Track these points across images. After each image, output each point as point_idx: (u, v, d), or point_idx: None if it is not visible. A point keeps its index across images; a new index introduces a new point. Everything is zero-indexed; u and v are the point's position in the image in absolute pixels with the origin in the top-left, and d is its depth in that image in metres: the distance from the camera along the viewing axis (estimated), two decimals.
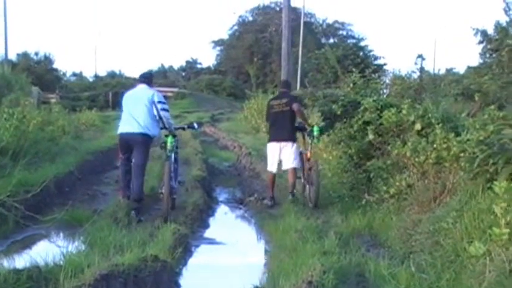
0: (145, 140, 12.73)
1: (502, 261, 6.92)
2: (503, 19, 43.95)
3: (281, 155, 14.38)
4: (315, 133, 14.63)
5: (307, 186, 14.47)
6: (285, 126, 14.40)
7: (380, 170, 13.11)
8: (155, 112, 12.81)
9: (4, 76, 29.98)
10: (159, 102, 12.88)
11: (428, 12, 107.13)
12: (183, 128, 16.25)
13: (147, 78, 13.58)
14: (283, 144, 14.32)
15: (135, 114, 12.69)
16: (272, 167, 14.56)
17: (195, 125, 16.79)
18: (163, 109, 12.97)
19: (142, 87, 13.22)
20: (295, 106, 14.38)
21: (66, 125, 22.59)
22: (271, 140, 14.70)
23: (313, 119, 18.73)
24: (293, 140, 14.50)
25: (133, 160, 12.75)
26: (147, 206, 12.51)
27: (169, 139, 13.20)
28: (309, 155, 14.83)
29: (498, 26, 44.34)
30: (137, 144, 12.68)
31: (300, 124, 14.82)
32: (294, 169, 14.40)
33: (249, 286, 8.26)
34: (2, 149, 14.41)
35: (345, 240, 9.92)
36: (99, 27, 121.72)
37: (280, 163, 14.56)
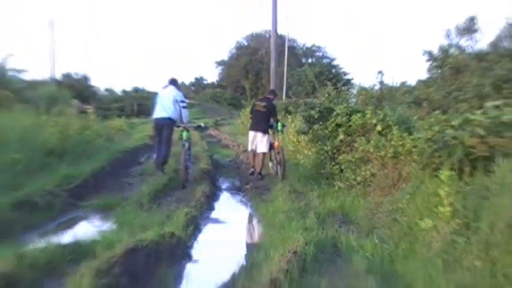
0: (171, 122, 14.90)
1: (446, 233, 6.96)
2: (445, 42, 44.41)
3: (255, 141, 15.99)
4: (279, 128, 16.14)
5: (277, 165, 15.80)
6: (260, 122, 16.13)
7: (349, 162, 13.18)
8: (177, 107, 14.91)
9: (53, 92, 30.09)
10: (181, 101, 15.11)
11: (387, 35, 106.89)
12: (194, 127, 18.04)
13: (174, 82, 15.65)
14: (258, 133, 15.96)
15: (165, 105, 14.90)
16: (250, 148, 16.27)
17: (202, 125, 18.45)
18: (183, 106, 15.12)
19: (170, 88, 15.30)
20: (273, 109, 16.39)
21: (100, 130, 22.57)
22: (250, 129, 16.41)
23: (295, 122, 20.09)
24: (265, 132, 15.96)
25: (163, 134, 14.87)
26: (164, 196, 12.48)
27: (185, 133, 15.10)
28: (276, 143, 16.02)
29: (441, 48, 44.56)
30: (165, 125, 14.85)
31: (272, 123, 16.09)
32: (263, 154, 15.93)
33: (246, 253, 8.37)
34: (50, 150, 14.52)
35: (322, 218, 9.95)
36: (126, 49, 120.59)
37: (255, 147, 16.01)
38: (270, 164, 16.39)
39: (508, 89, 25.40)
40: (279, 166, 15.56)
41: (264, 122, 16.00)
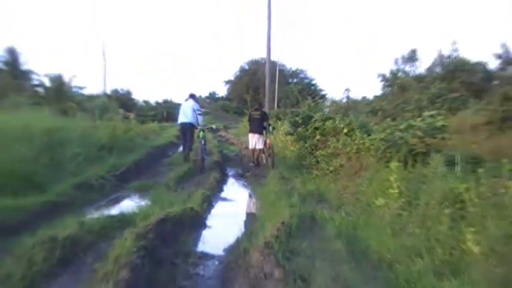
0: (191, 126, 15.18)
1: (394, 208, 6.98)
2: (394, 68, 44.59)
3: (254, 140, 16.08)
4: (270, 129, 16.26)
5: (268, 157, 15.84)
6: (257, 126, 16.15)
7: (324, 156, 13.21)
8: (195, 114, 15.10)
9: (104, 104, 30.15)
10: (198, 110, 15.30)
11: (353, 60, 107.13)
12: (208, 129, 18.63)
13: (193, 96, 15.77)
14: (255, 134, 16.07)
15: (186, 113, 15.20)
16: (250, 146, 16.40)
17: (214, 127, 20.95)
18: (199, 114, 15.30)
19: (190, 100, 15.50)
20: (266, 117, 16.60)
21: (139, 131, 22.53)
22: (249, 132, 16.52)
23: (284, 126, 20.06)
24: (260, 133, 16.04)
25: (186, 135, 15.31)
26: (186, 181, 12.48)
27: (201, 133, 15.21)
28: (268, 141, 16.04)
29: (391, 72, 44.70)
30: (187, 128, 15.23)
31: (265, 126, 16.10)
32: (260, 149, 16.10)
33: (247, 223, 8.36)
34: (102, 146, 14.50)
35: (303, 198, 9.90)
36: (158, 69, 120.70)
37: (254, 145, 16.09)
38: (263, 156, 16.30)
39: (440, 102, 25.39)
40: (269, 158, 15.64)
41: (259, 126, 16.04)
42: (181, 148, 16.87)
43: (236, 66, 76.73)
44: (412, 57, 48.49)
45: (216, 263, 6.25)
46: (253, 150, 16.27)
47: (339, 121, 14.32)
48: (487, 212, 5.78)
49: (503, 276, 4.77)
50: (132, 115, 31.75)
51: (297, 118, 17.31)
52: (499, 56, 31.36)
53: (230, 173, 15.51)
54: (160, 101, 69.63)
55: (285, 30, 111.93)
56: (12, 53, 41.63)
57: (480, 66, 33.35)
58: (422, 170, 8.46)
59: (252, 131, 16.30)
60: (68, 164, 11.29)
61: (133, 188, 11.15)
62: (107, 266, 4.74)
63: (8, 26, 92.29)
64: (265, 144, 16.07)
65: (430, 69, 40.07)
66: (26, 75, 38.95)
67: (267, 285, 4.63)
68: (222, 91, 78.06)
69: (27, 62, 41.42)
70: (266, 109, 28.92)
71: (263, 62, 38.71)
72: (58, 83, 28.34)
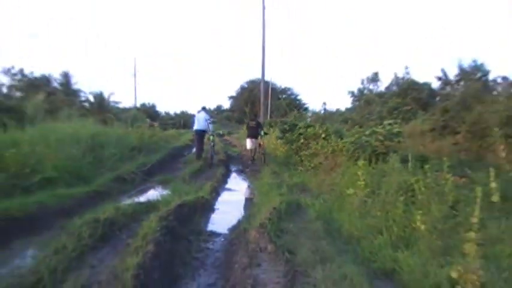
0: (203, 132, 15.27)
1: (361, 196, 6.95)
2: (361, 86, 44.61)
3: (251, 143, 16.02)
4: (262, 134, 16.05)
5: (262, 156, 15.69)
6: (253, 132, 15.98)
7: (306, 156, 13.18)
8: (206, 123, 15.12)
9: (135, 115, 30.26)
10: (208, 119, 15.35)
11: (329, 80, 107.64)
12: (217, 134, 19.32)
13: (204, 108, 15.75)
14: (252, 139, 15.99)
15: (200, 122, 15.17)
16: (248, 147, 16.28)
17: (221, 133, 20.72)
18: (210, 122, 15.43)
19: (202, 112, 15.47)
20: (260, 126, 16.51)
21: (161, 136, 22.59)
22: (247, 137, 16.36)
23: (275, 132, 20.20)
24: (255, 137, 15.92)
25: (199, 139, 15.34)
26: (198, 175, 12.48)
27: (211, 137, 15.39)
28: (261, 143, 15.98)
29: (359, 90, 44.76)
30: (201, 133, 15.31)
31: (259, 132, 15.98)
32: (254, 149, 16.02)
33: (246, 208, 8.36)
34: (133, 147, 14.53)
35: (291, 188, 9.88)
36: (173, 85, 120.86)
37: (251, 146, 16.03)
38: (257, 155, 16.17)
39: (396, 113, 25.45)
40: (263, 156, 15.64)
41: (254, 132, 16.01)
42: (194, 149, 16.96)
43: (238, 85, 76.55)
44: (374, 78, 48.78)
45: (222, 239, 6.25)
46: (250, 150, 16.25)
47: (318, 128, 14.29)
48: (431, 199, 5.81)
49: (442, 246, 4.84)
50: (156, 124, 31.68)
51: (285, 126, 17.32)
52: (439, 78, 31.52)
53: (233, 169, 15.49)
54: (178, 112, 69.82)
55: (276, 54, 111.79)
56: (66, 76, 42.06)
57: (426, 86, 33.52)
58: (382, 166, 8.48)
59: (249, 136, 16.24)
60: (106, 161, 11.37)
61: (157, 180, 11.08)
62: (137, 242, 4.76)
63: (60, 49, 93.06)
64: (259, 145, 16.08)
65: (388, 88, 40.29)
66: (75, 93, 39.32)
67: (262, 256, 4.65)
68: (226, 104, 77.78)
69: (76, 82, 41.88)
70: (261, 119, 28.89)
71: (259, 81, 38.80)
72: (100, 98, 28.61)
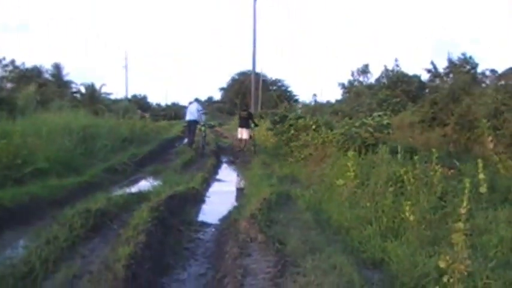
0: (195, 122, 15.65)
1: (351, 187, 6.99)
2: (351, 78, 44.76)
3: (242, 132, 16.20)
4: (253, 127, 16.56)
5: (251, 146, 16.03)
6: (244, 122, 16.24)
7: (296, 147, 13.19)
8: (198, 114, 15.58)
9: (126, 106, 30.15)
10: (201, 110, 16.03)
11: (320, 71, 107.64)
12: (208, 125, 19.15)
13: (197, 99, 16.54)
14: (243, 128, 16.18)
15: (192, 113, 15.55)
16: (239, 136, 16.51)
17: (212, 124, 21.26)
18: (202, 113, 16.17)
19: (195, 103, 16.05)
20: (251, 116, 16.96)
21: (153, 127, 22.56)
22: (239, 126, 16.62)
23: (266, 123, 19.97)
24: (247, 127, 16.15)
25: (191, 129, 15.73)
26: (189, 166, 12.47)
27: (203, 127, 15.95)
28: (252, 134, 16.34)
29: (349, 81, 44.93)
30: (192, 124, 15.67)
31: (250, 124, 16.42)
32: (246, 140, 16.14)
33: (237, 199, 8.38)
34: (125, 139, 14.55)
35: (281, 179, 9.92)
36: (165, 76, 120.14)
37: (242, 136, 16.20)
38: (247, 146, 16.29)
39: (385, 105, 25.50)
40: (253, 147, 15.88)
41: (246, 122, 16.19)
42: (185, 140, 17.68)
43: (228, 76, 76.14)
44: (364, 70, 48.76)
45: (213, 229, 6.26)
46: (240, 139, 16.41)
47: (308, 119, 14.27)
48: (420, 190, 5.86)
49: (431, 237, 4.89)
50: (147, 115, 31.50)
51: (276, 117, 17.27)
52: (429, 71, 31.64)
53: (224, 160, 15.51)
54: (169, 103, 69.45)
55: (267, 46, 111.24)
56: (57, 67, 41.86)
57: (415, 78, 33.56)
58: (372, 157, 8.51)
59: (240, 125, 16.44)
60: (98, 152, 11.40)
61: (148, 171, 11.08)
62: (128, 232, 4.75)
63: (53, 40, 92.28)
64: (250, 137, 16.19)
65: (378, 80, 40.21)
66: (67, 84, 39.12)
67: (252, 246, 4.65)
68: (217, 96, 77.24)
69: (68, 73, 41.73)
70: (252, 110, 28.91)
71: (250, 73, 38.69)
72: (91, 90, 28.28)
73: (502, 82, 20.40)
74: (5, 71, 41.97)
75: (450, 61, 30.45)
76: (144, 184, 9.13)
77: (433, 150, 6.33)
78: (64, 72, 41.93)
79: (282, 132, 15.43)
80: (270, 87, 64.71)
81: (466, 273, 3.26)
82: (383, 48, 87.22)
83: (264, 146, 17.04)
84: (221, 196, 9.03)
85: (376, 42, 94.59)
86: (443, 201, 5.75)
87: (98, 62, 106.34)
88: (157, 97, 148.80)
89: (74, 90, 34.68)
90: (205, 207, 7.86)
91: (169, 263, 4.73)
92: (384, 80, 37.36)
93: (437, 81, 31.08)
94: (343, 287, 3.51)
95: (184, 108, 17.10)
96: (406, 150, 8.27)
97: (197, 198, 8.16)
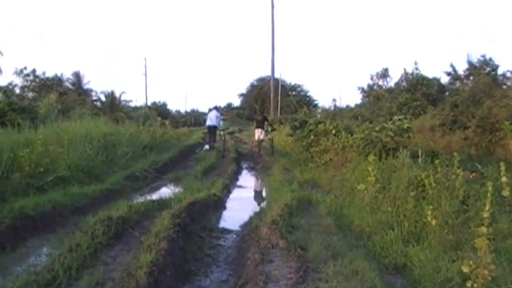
0: (215, 127, 17.50)
1: (372, 192, 6.93)
2: (371, 82, 44.33)
3: (258, 133, 17.18)
4: (269, 129, 17.61)
5: (270, 148, 17.04)
6: (259, 124, 17.22)
7: (317, 152, 13.08)
8: (217, 120, 17.38)
9: (146, 113, 30.37)
10: (219, 117, 17.72)
11: (339, 76, 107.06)
12: (228, 132, 20.97)
13: (215, 107, 18.53)
14: (259, 129, 17.17)
15: (212, 119, 17.42)
16: (256, 137, 17.47)
17: (231, 129, 22.25)
18: (221, 119, 17.83)
19: (214, 110, 17.90)
20: (266, 119, 18.15)
21: (173, 134, 22.76)
22: (255, 128, 17.54)
23: (285, 129, 20.56)
24: (262, 128, 17.18)
25: (211, 134, 17.71)
26: (210, 172, 12.52)
27: (222, 132, 17.37)
28: (270, 137, 17.44)
29: (368, 85, 44.59)
30: (213, 129, 17.60)
31: (265, 125, 17.45)
32: (262, 141, 17.28)
33: (258, 205, 8.37)
34: (145, 146, 14.70)
35: (302, 185, 9.88)
36: (185, 84, 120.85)
37: (258, 137, 17.18)
38: (262, 145, 17.42)
39: (406, 109, 25.32)
40: (271, 148, 17.05)
41: (261, 124, 17.24)
42: (206, 146, 19.10)
43: (248, 82, 76.19)
44: (384, 74, 48.51)
45: (234, 236, 6.27)
46: (257, 140, 17.39)
47: (328, 125, 14.18)
48: (442, 194, 5.79)
49: (453, 241, 4.81)
50: (167, 122, 31.85)
51: (296, 123, 17.22)
52: (448, 74, 31.34)
53: (244, 166, 15.52)
54: (188, 110, 69.94)
55: (286, 51, 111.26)
56: (77, 76, 42.60)
57: (435, 81, 33.26)
58: (393, 161, 8.43)
59: (256, 127, 17.47)
60: (119, 160, 11.48)
61: (169, 178, 11.15)
62: (150, 239, 4.78)
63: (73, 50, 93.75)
64: (269, 139, 17.38)
65: (398, 83, 39.94)
66: (87, 92, 39.85)
67: (273, 253, 4.65)
68: (236, 102, 77.39)
69: (88, 82, 42.44)
70: (271, 116, 28.98)
71: (268, 79, 38.73)
72: (111, 98, 28.71)
73: None
74: (26, 80, 42.91)
75: (470, 63, 30.13)
76: (165, 191, 9.19)
77: (455, 153, 6.26)
78: (84, 80, 42.70)
79: (302, 137, 15.39)
80: (289, 93, 64.67)
81: (490, 278, 3.21)
82: (402, 51, 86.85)
83: (284, 152, 17.00)
84: (242, 202, 9.04)
85: (395, 46, 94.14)
86: (465, 205, 5.66)
87: (118, 69, 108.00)
88: (177, 104, 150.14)
89: (94, 98, 35.43)
90: (226, 214, 7.88)
91: (191, 269, 4.75)
92: (404, 84, 37.05)
93: (458, 83, 30.79)
94: None
95: (204, 115, 18.29)
96: (427, 154, 8.21)
97: (218, 204, 8.17)
